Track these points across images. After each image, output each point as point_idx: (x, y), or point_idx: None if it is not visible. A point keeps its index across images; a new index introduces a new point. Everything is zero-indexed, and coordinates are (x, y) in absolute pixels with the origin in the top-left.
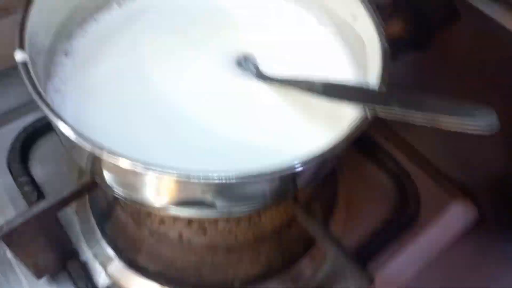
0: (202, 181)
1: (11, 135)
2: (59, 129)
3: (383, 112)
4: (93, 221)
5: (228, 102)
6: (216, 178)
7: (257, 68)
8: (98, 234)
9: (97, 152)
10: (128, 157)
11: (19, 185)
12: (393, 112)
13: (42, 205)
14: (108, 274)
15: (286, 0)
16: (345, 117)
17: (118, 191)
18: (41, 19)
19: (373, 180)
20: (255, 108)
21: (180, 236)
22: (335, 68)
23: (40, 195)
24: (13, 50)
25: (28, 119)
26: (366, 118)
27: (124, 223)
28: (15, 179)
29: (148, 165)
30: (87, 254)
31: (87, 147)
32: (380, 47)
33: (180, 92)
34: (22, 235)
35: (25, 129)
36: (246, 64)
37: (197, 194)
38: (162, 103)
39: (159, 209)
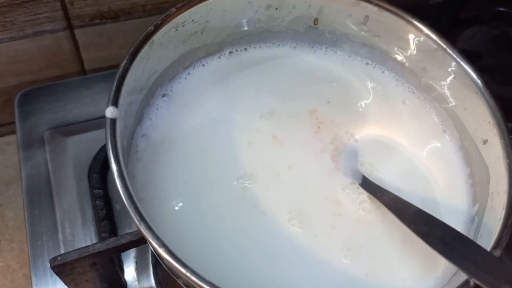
0: None
1: (102, 142)
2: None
3: None
4: (149, 257)
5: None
6: None
7: (363, 176)
8: (151, 272)
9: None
10: None
11: (92, 196)
12: None
13: (99, 246)
14: None
15: (418, 97)
16: (442, 262)
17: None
18: (145, 69)
19: None
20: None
21: None
22: (447, 189)
23: (109, 212)
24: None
25: None
26: (468, 284)
27: None
28: (91, 189)
29: None
30: (134, 287)
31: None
32: (507, 190)
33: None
34: (74, 268)
35: None
36: (348, 162)
37: None
38: (245, 189)
39: None
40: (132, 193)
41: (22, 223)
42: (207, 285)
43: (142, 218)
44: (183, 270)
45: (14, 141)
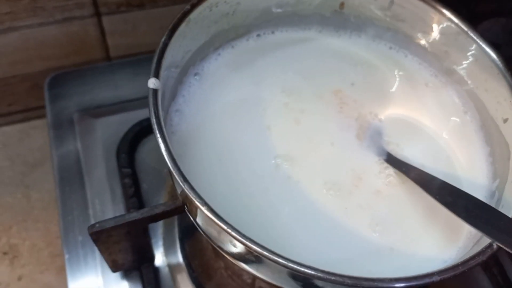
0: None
1: (129, 124)
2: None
3: None
4: (176, 233)
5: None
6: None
7: (388, 153)
8: (178, 247)
9: (232, 234)
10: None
11: (121, 175)
12: None
13: (134, 215)
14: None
15: (440, 80)
16: (463, 233)
17: (211, 239)
18: (181, 46)
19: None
20: (373, 196)
21: (253, 281)
22: (468, 166)
23: (137, 190)
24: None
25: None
26: (492, 247)
27: (204, 248)
28: (119, 168)
29: (273, 255)
30: (162, 261)
31: (220, 225)
32: None
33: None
34: (110, 236)
35: (140, 122)
36: (372, 141)
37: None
38: (273, 158)
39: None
40: (175, 156)
41: (48, 204)
42: (247, 241)
43: (185, 179)
44: (224, 226)
45: (39, 125)
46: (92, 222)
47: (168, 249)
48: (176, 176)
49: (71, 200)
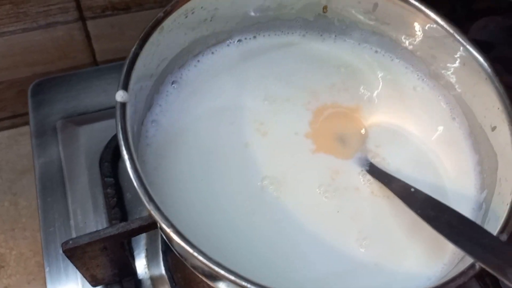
0: None
1: (113, 131)
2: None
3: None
4: (159, 244)
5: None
6: None
7: (370, 163)
8: (161, 259)
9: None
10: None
11: (103, 185)
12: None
13: (109, 230)
14: None
15: (428, 85)
16: (449, 248)
17: (183, 258)
18: (155, 55)
19: None
20: (358, 210)
21: None
22: (456, 175)
23: (120, 200)
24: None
25: None
26: (474, 268)
27: None
28: (102, 177)
29: None
30: (144, 273)
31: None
32: None
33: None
34: (85, 252)
35: None
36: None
37: None
38: (251, 171)
39: None
40: (142, 175)
41: (35, 212)
42: (214, 264)
43: (151, 199)
44: (191, 250)
45: (27, 132)
46: (74, 233)
47: (151, 261)
48: (142, 196)
49: (53, 210)
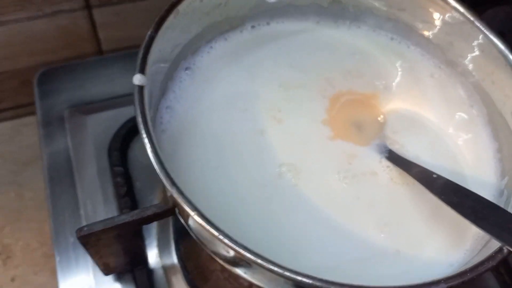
0: None
1: (122, 120)
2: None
3: None
4: (171, 233)
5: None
6: None
7: (389, 150)
8: (173, 248)
9: (224, 241)
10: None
11: (113, 174)
12: None
13: (124, 217)
14: None
15: (445, 72)
16: (471, 234)
17: (204, 244)
18: (169, 40)
19: None
20: (377, 197)
21: (250, 285)
22: (475, 163)
23: (130, 189)
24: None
25: None
26: (502, 251)
27: (199, 249)
28: (111, 166)
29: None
30: (156, 263)
31: (212, 232)
32: None
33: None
34: (99, 239)
35: (133, 118)
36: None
37: None
38: (266, 156)
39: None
40: (162, 158)
41: (41, 203)
42: (240, 248)
43: (174, 183)
44: (216, 233)
45: (31, 123)
46: (84, 223)
47: (163, 250)
48: (164, 180)
49: (61, 200)
